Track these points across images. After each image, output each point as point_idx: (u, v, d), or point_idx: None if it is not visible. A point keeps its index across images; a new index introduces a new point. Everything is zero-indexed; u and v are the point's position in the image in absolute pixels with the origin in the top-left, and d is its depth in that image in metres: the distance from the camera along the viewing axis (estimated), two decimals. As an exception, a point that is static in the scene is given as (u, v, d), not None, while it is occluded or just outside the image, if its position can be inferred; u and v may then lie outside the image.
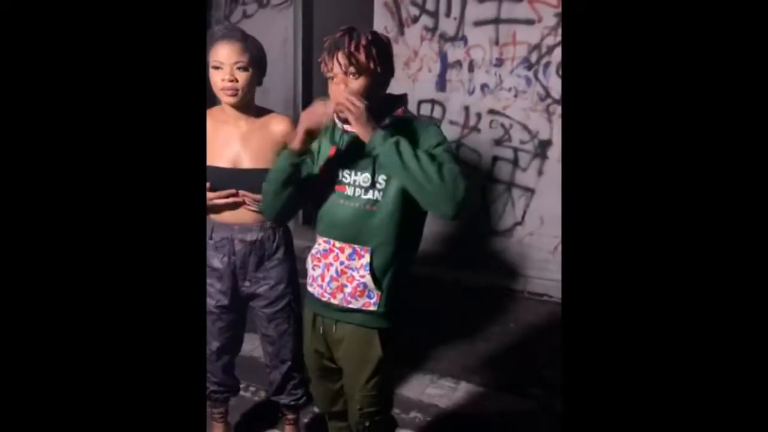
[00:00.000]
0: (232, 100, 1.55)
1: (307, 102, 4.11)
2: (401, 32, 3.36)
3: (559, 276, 3.21)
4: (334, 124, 1.35)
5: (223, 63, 1.51)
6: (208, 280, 1.67)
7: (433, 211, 1.23)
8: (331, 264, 1.33)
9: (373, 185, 1.28)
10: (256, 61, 1.55)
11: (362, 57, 1.23)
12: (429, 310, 2.82)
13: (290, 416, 1.90)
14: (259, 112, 1.64)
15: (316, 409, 2.10)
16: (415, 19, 3.31)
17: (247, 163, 1.58)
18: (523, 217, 3.29)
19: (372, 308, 1.32)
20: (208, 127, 1.58)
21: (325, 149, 1.36)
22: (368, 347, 1.36)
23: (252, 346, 2.34)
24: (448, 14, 3.23)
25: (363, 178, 1.29)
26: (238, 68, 1.52)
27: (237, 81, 1.53)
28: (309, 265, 1.38)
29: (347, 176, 1.31)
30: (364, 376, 1.38)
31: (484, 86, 3.23)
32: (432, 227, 3.44)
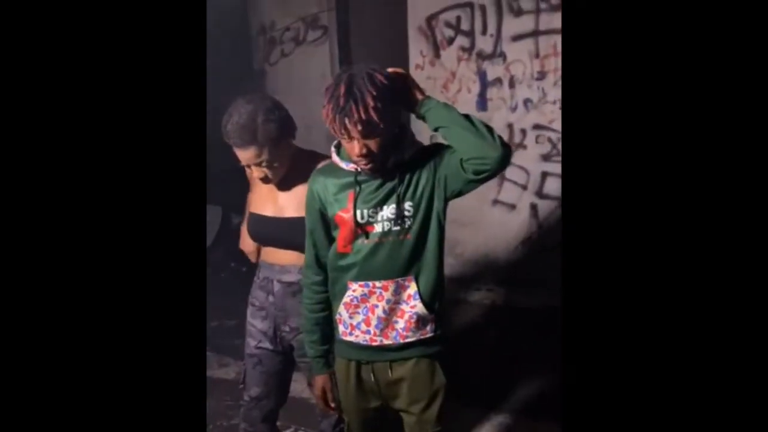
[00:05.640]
0: (270, 185, 1.53)
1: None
2: (437, 55, 3.32)
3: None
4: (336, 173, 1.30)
5: (247, 165, 1.47)
6: (251, 320, 1.64)
7: (479, 156, 1.17)
8: (375, 306, 1.28)
9: (400, 214, 1.25)
10: (276, 141, 1.45)
11: (375, 119, 1.15)
12: (483, 336, 2.69)
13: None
14: (300, 156, 1.56)
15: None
16: (451, 41, 3.26)
17: (290, 212, 1.54)
18: (579, 234, 3.12)
19: (430, 334, 1.30)
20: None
21: (338, 200, 1.29)
22: (433, 377, 1.33)
23: (302, 386, 2.28)
24: (484, 32, 3.16)
25: (390, 210, 1.26)
26: (263, 166, 1.46)
27: (266, 174, 1.48)
28: (344, 314, 1.31)
29: (374, 215, 1.26)
30: (435, 409, 1.34)
31: (527, 101, 3.12)
32: (483, 249, 3.33)
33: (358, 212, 1.26)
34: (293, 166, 1.54)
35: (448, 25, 3.26)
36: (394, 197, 1.25)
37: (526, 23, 3.04)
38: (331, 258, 1.33)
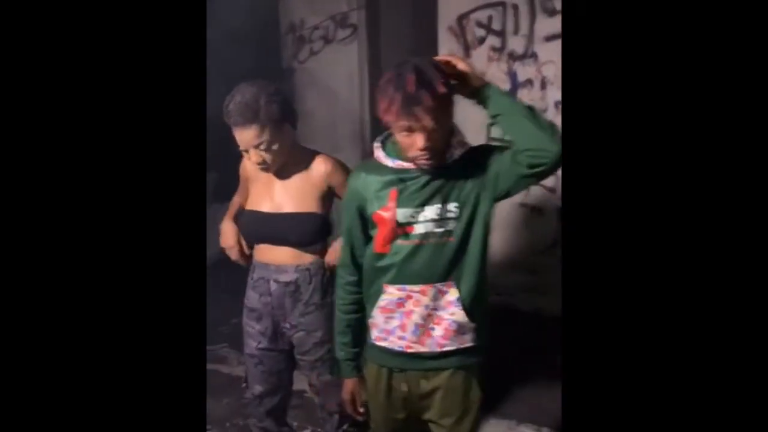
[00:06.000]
0: (268, 173, 1.53)
1: (375, 134, 4.10)
2: (467, 55, 3.26)
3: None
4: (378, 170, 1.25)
5: (246, 148, 1.45)
6: (248, 321, 1.64)
7: (537, 148, 1.11)
8: (412, 311, 1.22)
9: (444, 215, 1.19)
10: (277, 126, 1.45)
11: (447, 106, 1.12)
12: (507, 343, 2.62)
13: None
14: (301, 153, 1.56)
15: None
16: (482, 41, 3.21)
17: (288, 208, 1.54)
18: (609, 241, 3.04)
19: (469, 344, 1.23)
20: (251, 170, 1.57)
21: (379, 197, 1.23)
22: (469, 391, 1.27)
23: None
24: (516, 32, 3.10)
25: (434, 210, 1.19)
26: (262, 149, 1.45)
27: (264, 158, 1.46)
28: (378, 318, 1.26)
29: (415, 214, 1.20)
30: (467, 425, 1.28)
31: (558, 104, 3.05)
32: (507, 253, 3.26)
33: (400, 211, 1.20)
34: (291, 161, 1.53)
35: (479, 24, 3.20)
36: (438, 197, 1.19)
37: (559, 23, 2.96)
38: (368, 258, 1.27)
